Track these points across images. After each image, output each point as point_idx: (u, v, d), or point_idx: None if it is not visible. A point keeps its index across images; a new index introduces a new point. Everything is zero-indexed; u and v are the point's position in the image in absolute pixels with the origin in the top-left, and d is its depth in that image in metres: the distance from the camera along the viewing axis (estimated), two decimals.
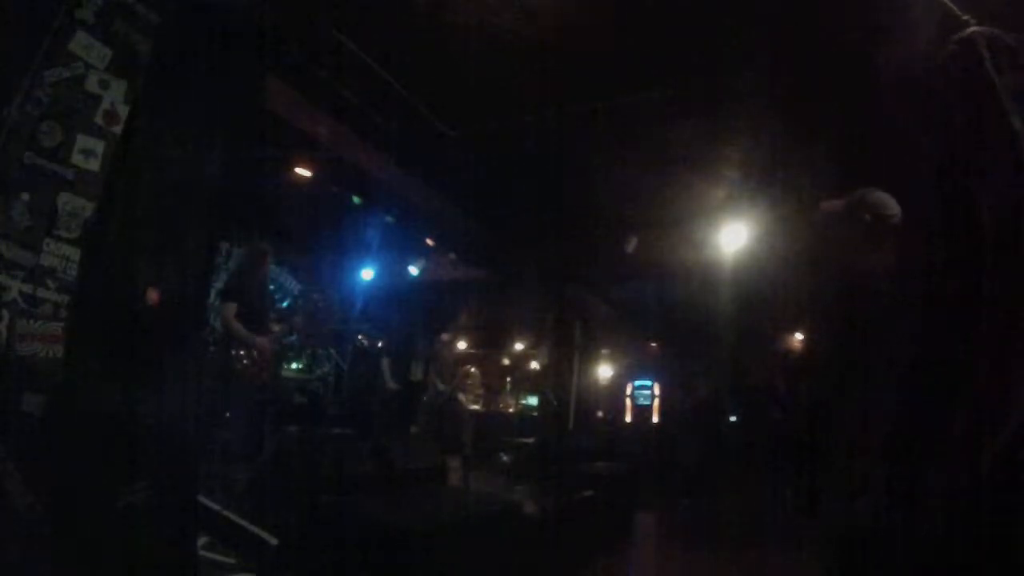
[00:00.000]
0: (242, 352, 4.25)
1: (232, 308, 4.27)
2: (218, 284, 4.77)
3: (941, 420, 0.75)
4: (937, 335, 0.82)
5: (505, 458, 6.82)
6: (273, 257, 4.96)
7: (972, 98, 0.78)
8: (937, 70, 0.84)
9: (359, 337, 7.73)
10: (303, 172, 5.44)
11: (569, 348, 9.31)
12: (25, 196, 1.86)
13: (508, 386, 9.85)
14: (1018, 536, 0.71)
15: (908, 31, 0.92)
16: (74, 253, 1.96)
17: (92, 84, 2.00)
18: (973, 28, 0.80)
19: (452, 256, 8.07)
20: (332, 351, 7.47)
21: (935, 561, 0.75)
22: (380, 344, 7.75)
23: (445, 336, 7.38)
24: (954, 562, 0.74)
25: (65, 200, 1.94)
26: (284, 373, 6.12)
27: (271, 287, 5.96)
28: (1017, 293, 0.71)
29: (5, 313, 1.80)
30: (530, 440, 7.42)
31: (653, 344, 11.35)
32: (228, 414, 4.38)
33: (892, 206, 1.16)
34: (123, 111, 2.06)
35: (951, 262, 0.79)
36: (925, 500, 0.75)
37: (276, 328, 5.11)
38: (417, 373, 7.17)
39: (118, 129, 2.05)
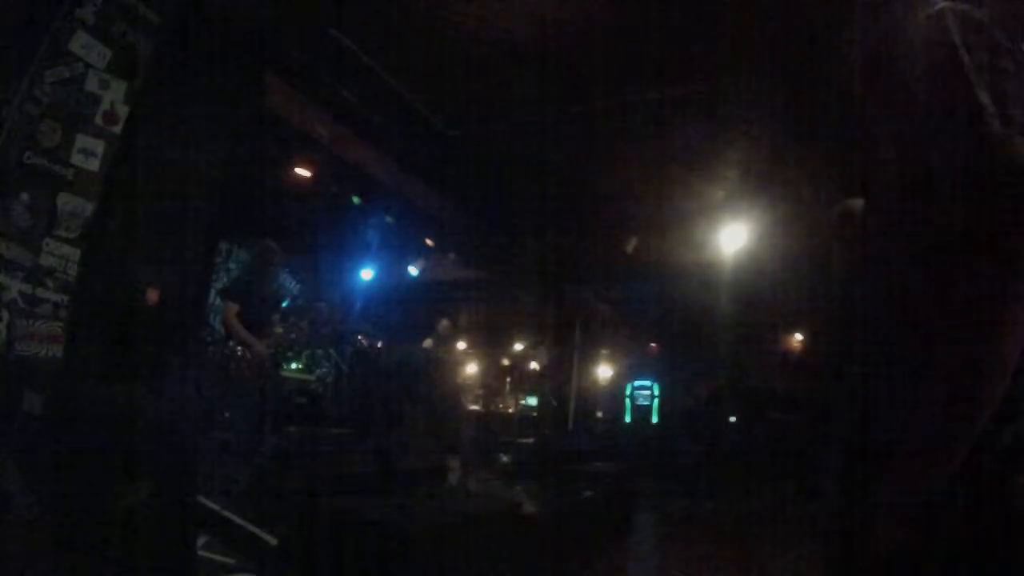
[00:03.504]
0: (241, 353, 4.24)
1: (233, 308, 4.25)
2: (218, 284, 4.76)
3: (934, 418, 0.74)
4: (905, 330, 0.80)
5: (505, 458, 6.82)
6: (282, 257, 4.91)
7: (939, 75, 0.76)
8: (904, 46, 0.81)
9: (359, 338, 7.73)
10: (303, 172, 5.44)
11: (569, 348, 9.31)
12: (25, 196, 1.86)
13: (508, 386, 9.82)
14: (1012, 533, 0.71)
15: (879, 10, 0.89)
16: (74, 253, 1.96)
17: (92, 84, 2.00)
18: (943, 3, 0.78)
19: (452, 256, 8.06)
20: (332, 351, 7.47)
21: (931, 561, 0.75)
22: (380, 345, 7.74)
23: (444, 336, 7.37)
24: (950, 562, 0.74)
25: (65, 200, 1.94)
26: (284, 373, 6.11)
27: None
28: (986, 278, 0.68)
29: (5, 313, 1.80)
30: (530, 440, 7.42)
31: (653, 344, 11.35)
32: (228, 414, 4.38)
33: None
34: (123, 111, 2.06)
35: (916, 250, 0.76)
36: (920, 501, 0.74)
37: (279, 330, 5.09)
38: (418, 376, 7.16)
39: (118, 129, 2.05)
